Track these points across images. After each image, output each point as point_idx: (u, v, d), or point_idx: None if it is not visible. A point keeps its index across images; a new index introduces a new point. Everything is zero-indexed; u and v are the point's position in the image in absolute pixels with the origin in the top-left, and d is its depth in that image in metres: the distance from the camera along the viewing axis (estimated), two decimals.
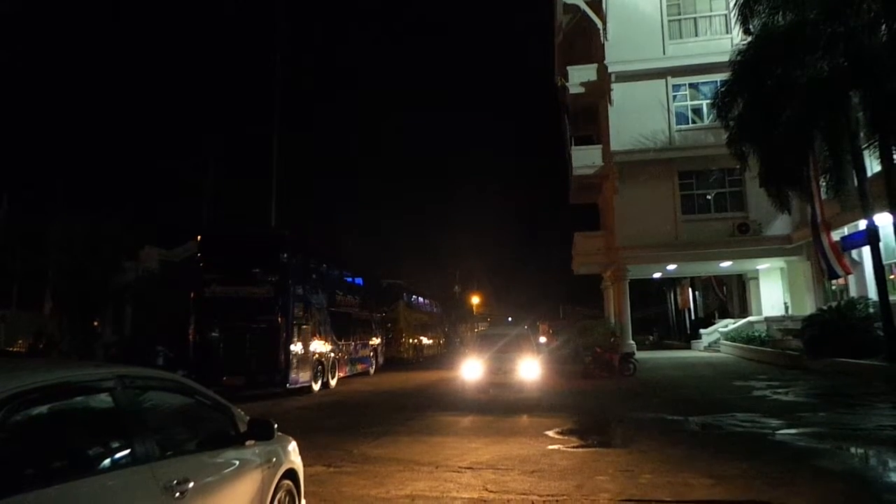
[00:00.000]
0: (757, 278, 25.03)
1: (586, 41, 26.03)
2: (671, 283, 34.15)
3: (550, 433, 8.56)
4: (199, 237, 15.67)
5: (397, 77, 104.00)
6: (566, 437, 8.38)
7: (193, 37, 71.00)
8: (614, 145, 22.67)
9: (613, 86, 22.70)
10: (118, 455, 2.55)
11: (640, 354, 19.75)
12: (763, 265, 23.91)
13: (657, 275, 28.01)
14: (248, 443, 3.50)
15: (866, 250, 15.43)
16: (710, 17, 22.86)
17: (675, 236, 22.06)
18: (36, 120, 42.88)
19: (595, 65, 24.08)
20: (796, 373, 15.30)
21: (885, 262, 14.42)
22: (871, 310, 14.96)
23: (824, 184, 15.09)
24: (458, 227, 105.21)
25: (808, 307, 20.18)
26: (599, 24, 23.30)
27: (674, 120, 22.42)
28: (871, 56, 12.80)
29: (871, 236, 14.01)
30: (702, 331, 26.34)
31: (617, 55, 22.69)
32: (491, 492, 5.57)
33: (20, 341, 20.33)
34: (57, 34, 50.90)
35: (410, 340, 28.51)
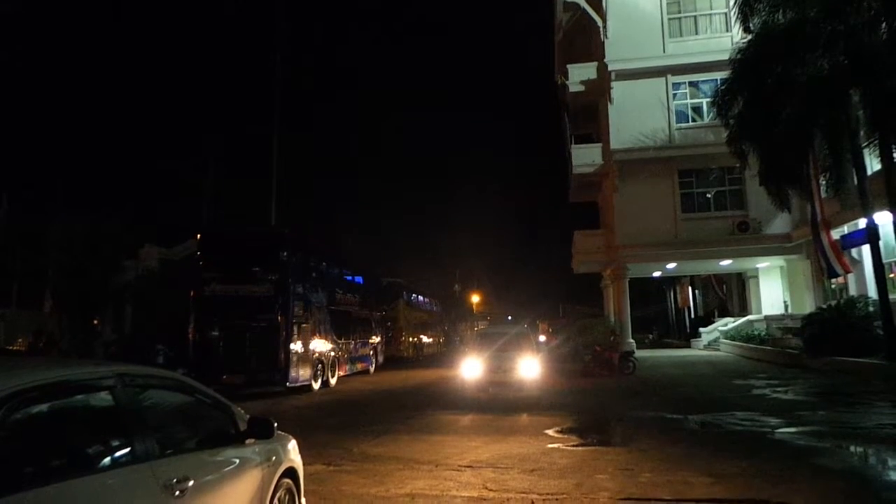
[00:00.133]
0: (757, 277, 25.02)
1: (586, 39, 26.01)
2: (671, 281, 34.13)
3: (550, 432, 8.57)
4: (198, 235, 15.63)
5: (397, 77, 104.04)
6: (566, 436, 8.39)
7: (193, 37, 70.96)
8: (614, 144, 22.67)
9: (613, 84, 22.69)
10: (118, 453, 2.55)
11: (639, 353, 19.78)
12: (763, 264, 23.89)
13: (657, 273, 28.01)
14: (247, 441, 3.50)
15: (866, 249, 15.43)
16: (710, 15, 22.85)
17: (674, 235, 22.06)
18: (36, 120, 42.90)
19: (595, 63, 24.08)
20: (796, 371, 15.31)
21: (884, 261, 14.43)
22: (871, 308, 14.97)
23: (824, 182, 15.12)
24: (458, 227, 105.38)
25: (808, 306, 20.21)
26: (599, 22, 23.29)
27: (674, 118, 22.41)
28: (872, 54, 12.79)
29: (871, 235, 14.01)
30: (701, 329, 26.36)
31: (617, 53, 22.69)
32: (491, 490, 5.57)
33: (20, 340, 20.31)
34: (57, 34, 50.87)
35: (410, 339, 28.51)
